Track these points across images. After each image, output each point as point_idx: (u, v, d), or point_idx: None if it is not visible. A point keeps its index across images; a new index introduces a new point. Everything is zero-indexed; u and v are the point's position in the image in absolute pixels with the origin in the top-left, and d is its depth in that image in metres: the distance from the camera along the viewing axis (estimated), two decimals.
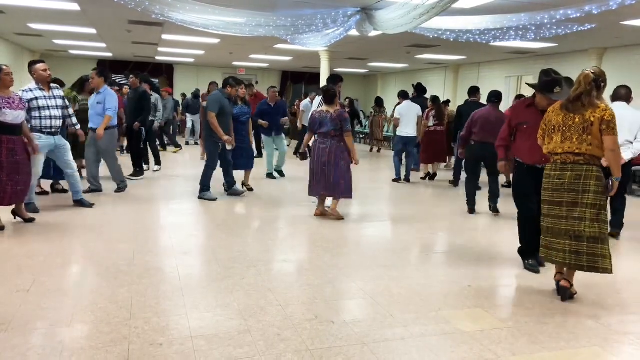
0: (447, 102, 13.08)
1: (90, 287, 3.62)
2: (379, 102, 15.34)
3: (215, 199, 6.87)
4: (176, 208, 6.50)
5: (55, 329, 2.91)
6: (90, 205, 6.10)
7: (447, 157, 10.83)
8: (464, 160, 7.10)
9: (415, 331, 3.06)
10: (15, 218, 5.29)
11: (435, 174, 9.84)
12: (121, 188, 7.14)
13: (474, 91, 8.83)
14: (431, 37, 8.94)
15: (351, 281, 3.94)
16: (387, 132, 15.73)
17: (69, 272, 3.92)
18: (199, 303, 3.38)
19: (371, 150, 15.37)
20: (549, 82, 4.08)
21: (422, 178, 9.74)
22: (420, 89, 10.50)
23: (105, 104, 6.74)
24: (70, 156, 5.90)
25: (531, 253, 4.36)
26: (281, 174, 9.38)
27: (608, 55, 11.56)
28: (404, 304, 3.50)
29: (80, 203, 6.09)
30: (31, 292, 3.46)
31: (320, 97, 6.62)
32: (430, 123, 9.46)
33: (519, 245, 4.52)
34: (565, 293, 3.66)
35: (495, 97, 6.81)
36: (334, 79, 6.78)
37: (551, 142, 3.66)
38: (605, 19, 7.90)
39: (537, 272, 4.29)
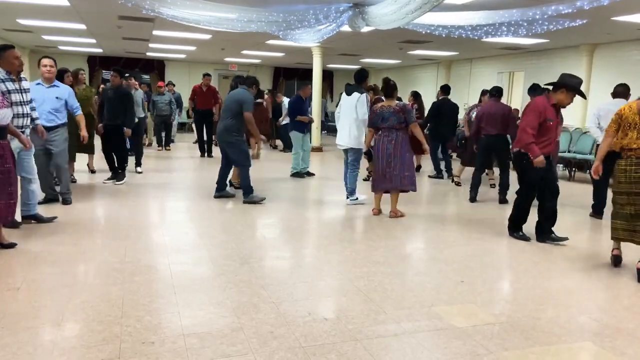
0: None
1: (81, 285, 3.59)
2: None
3: (263, 199, 6.67)
4: (168, 206, 6.48)
5: (46, 328, 2.89)
6: (51, 220, 5.21)
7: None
8: (478, 153, 7.54)
9: (408, 327, 3.07)
10: None
11: (419, 166, 10.06)
12: (67, 200, 6.13)
13: (447, 89, 9.72)
14: (423, 32, 8.95)
15: (344, 277, 3.94)
16: None
17: (60, 270, 3.89)
18: (192, 301, 3.36)
19: None
20: (579, 82, 4.89)
21: None
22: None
23: (72, 102, 6.07)
24: (33, 160, 5.09)
25: (521, 227, 5.31)
26: (309, 174, 9.13)
27: (599, 51, 11.61)
28: (397, 300, 3.51)
29: (34, 218, 5.13)
30: (22, 290, 3.43)
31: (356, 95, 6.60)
32: None
33: (511, 232, 5.36)
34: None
35: (497, 92, 7.43)
36: (366, 73, 6.80)
37: (625, 137, 4.16)
38: (596, 15, 7.92)
39: (528, 239, 5.20)
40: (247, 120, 6.48)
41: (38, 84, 5.85)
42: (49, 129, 5.67)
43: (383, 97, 6.53)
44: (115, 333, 2.85)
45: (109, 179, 7.75)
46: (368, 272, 4.07)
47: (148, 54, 17.52)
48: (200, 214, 6.03)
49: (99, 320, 3.01)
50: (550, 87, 4.99)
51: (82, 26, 11.53)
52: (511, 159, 7.94)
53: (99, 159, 8.66)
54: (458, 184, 8.60)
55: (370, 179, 6.64)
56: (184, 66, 19.94)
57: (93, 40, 14.24)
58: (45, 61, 5.89)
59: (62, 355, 2.59)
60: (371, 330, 3.01)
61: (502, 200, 7.16)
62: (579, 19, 7.93)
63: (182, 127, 18.02)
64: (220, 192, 6.91)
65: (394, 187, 6.04)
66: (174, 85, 14.73)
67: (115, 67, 8.50)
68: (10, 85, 4.73)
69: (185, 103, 15.88)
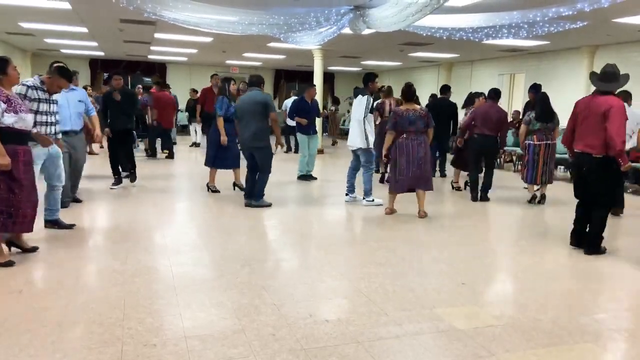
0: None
1: (82, 287, 3.60)
2: (336, 100, 17.88)
3: (270, 204, 6.58)
4: (169, 208, 6.48)
5: (48, 330, 2.89)
6: (70, 227, 5.13)
7: None
8: (471, 152, 7.57)
9: (409, 329, 3.07)
10: (10, 250, 4.23)
11: None
12: (78, 199, 6.36)
13: (446, 90, 9.76)
14: (424, 35, 8.96)
15: (345, 279, 3.94)
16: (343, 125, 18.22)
17: (61, 272, 3.89)
18: (193, 302, 3.36)
19: (333, 143, 17.01)
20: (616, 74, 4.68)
21: None
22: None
23: (88, 104, 6.17)
24: (62, 167, 5.05)
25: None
26: (312, 177, 8.97)
27: (600, 52, 11.61)
28: (398, 301, 3.51)
29: (55, 223, 5.08)
30: (23, 293, 3.44)
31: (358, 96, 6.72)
32: None
33: (598, 249, 4.80)
34: None
35: (495, 94, 7.42)
36: (371, 76, 6.88)
37: None
38: (596, 17, 7.93)
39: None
40: (274, 121, 6.46)
41: None
42: (75, 132, 5.75)
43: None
44: (117, 335, 2.85)
45: (114, 184, 7.57)
46: (369, 274, 4.07)
47: (149, 56, 17.55)
48: (201, 216, 6.03)
49: (100, 322, 3.01)
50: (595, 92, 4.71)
51: (84, 29, 11.56)
52: (501, 161, 7.96)
53: (96, 159, 8.68)
54: (458, 188, 8.36)
55: (387, 180, 6.65)
56: (185, 69, 19.96)
57: (95, 44, 14.28)
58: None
59: (63, 358, 2.60)
60: (373, 332, 3.01)
61: (484, 197, 7.27)
62: (580, 21, 7.92)
63: (184, 129, 18.04)
64: (251, 199, 6.59)
65: (425, 188, 6.18)
66: (169, 88, 14.72)
67: (117, 70, 8.43)
68: (40, 94, 4.74)
69: (182, 105, 15.89)
